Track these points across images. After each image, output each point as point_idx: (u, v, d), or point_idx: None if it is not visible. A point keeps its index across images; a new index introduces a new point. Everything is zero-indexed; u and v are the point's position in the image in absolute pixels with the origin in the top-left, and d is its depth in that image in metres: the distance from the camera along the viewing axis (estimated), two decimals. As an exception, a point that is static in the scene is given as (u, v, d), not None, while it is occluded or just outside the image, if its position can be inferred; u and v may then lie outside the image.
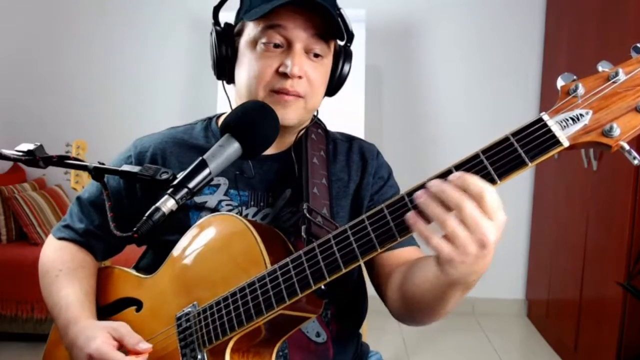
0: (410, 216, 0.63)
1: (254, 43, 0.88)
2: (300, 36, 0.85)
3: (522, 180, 3.18)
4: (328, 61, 0.92)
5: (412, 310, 0.84)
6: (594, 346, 2.32)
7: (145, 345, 0.81)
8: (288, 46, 0.86)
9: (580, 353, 2.45)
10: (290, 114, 0.87)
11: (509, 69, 3.12)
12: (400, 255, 0.91)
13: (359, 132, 2.61)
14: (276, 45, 0.87)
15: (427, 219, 0.62)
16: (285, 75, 0.85)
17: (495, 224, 0.60)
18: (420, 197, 0.62)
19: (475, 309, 3.24)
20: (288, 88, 0.86)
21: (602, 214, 2.29)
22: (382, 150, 1.05)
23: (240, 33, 0.92)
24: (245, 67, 0.90)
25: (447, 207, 0.60)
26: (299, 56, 0.86)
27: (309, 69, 0.87)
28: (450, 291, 0.71)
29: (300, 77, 0.86)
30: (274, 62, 0.86)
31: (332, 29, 0.86)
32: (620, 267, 2.08)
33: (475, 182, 0.59)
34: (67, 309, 0.89)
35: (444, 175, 0.62)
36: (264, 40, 0.87)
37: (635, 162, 0.58)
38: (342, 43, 0.96)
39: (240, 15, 0.92)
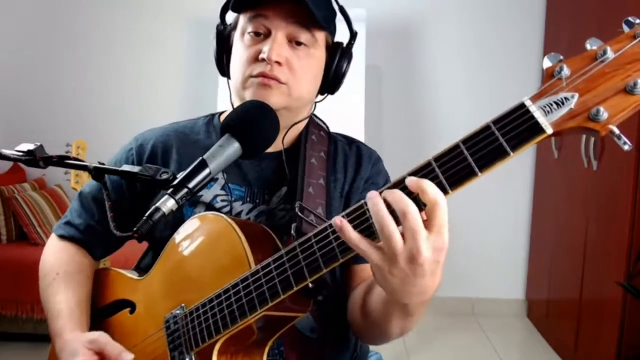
0: (337, 221, 0.62)
1: (242, 34, 0.90)
2: (280, 24, 0.86)
3: (522, 180, 3.18)
4: (316, 52, 0.91)
5: (362, 326, 0.85)
6: (594, 346, 2.32)
7: (128, 357, 0.80)
8: (270, 34, 0.87)
9: (580, 353, 2.45)
10: (273, 98, 0.86)
11: (508, 69, 3.12)
12: (368, 270, 0.91)
13: (358, 131, 2.61)
14: (260, 35, 0.88)
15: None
16: (264, 61, 0.86)
17: (435, 241, 0.57)
18: (371, 198, 0.60)
19: (475, 309, 3.24)
20: (266, 72, 0.86)
21: (602, 214, 2.29)
22: (381, 151, 1.05)
23: (235, 27, 0.94)
24: (235, 57, 0.92)
25: (394, 214, 0.58)
26: (278, 43, 0.86)
27: (291, 56, 0.87)
28: (388, 310, 0.72)
29: (279, 64, 0.86)
30: (255, 50, 0.88)
31: (314, 16, 0.85)
32: (620, 267, 2.08)
33: (430, 185, 0.57)
34: (57, 318, 0.90)
35: (424, 168, 0.60)
36: (249, 30, 0.88)
37: (626, 147, 0.54)
38: (340, 40, 0.96)
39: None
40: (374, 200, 0.60)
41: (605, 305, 2.22)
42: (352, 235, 0.62)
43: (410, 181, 0.59)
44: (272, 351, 0.85)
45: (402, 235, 0.58)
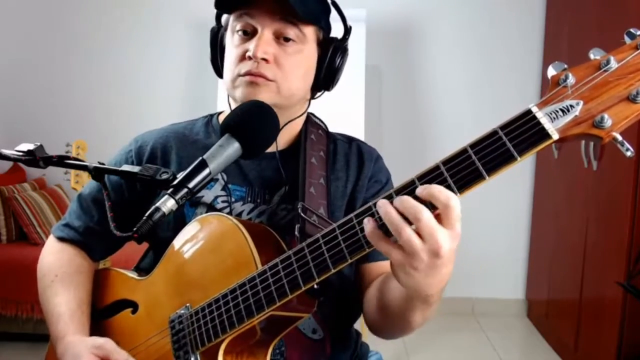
0: (366, 220, 0.63)
1: (232, 33, 0.91)
2: (265, 21, 0.86)
3: (522, 181, 3.18)
4: (305, 47, 0.90)
5: (382, 322, 0.86)
6: (594, 346, 2.32)
7: None
8: (256, 32, 0.87)
9: (580, 353, 2.44)
10: (261, 96, 0.86)
11: (509, 68, 3.12)
12: (384, 266, 0.91)
13: (358, 131, 2.61)
14: (248, 33, 0.88)
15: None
16: (251, 59, 0.86)
17: (451, 233, 0.60)
18: (382, 206, 0.62)
19: (475, 309, 3.24)
20: (252, 70, 0.86)
21: (602, 214, 2.29)
22: (381, 150, 1.05)
23: (227, 28, 0.94)
24: (226, 57, 0.92)
25: (407, 220, 0.60)
26: (264, 40, 0.86)
27: (278, 53, 0.87)
28: (409, 304, 0.72)
29: (266, 61, 0.86)
30: (243, 49, 0.88)
31: (299, 14, 0.85)
32: (620, 267, 2.08)
33: (441, 191, 0.59)
34: (58, 321, 0.90)
35: (433, 171, 0.62)
36: (237, 28, 0.89)
37: (628, 153, 0.56)
38: (337, 36, 0.95)
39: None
40: (386, 209, 0.62)
41: (605, 305, 2.22)
42: (375, 236, 0.63)
43: (421, 192, 0.61)
44: (274, 351, 0.84)
45: (419, 234, 0.60)
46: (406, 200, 0.60)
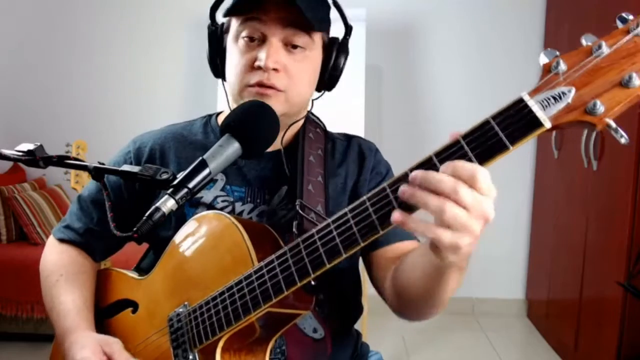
0: (397, 215, 0.59)
1: (236, 38, 0.89)
2: (274, 29, 0.85)
3: (522, 180, 3.18)
4: (312, 53, 0.90)
5: (410, 302, 0.82)
6: (594, 346, 2.32)
7: None
8: (265, 40, 0.86)
9: (580, 353, 2.45)
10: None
11: (509, 69, 3.12)
12: (398, 249, 0.90)
13: (358, 131, 2.61)
14: (254, 40, 0.87)
15: (409, 211, 0.60)
16: (260, 69, 0.85)
17: (491, 200, 0.59)
18: (405, 191, 0.59)
19: (475, 309, 3.24)
20: (264, 81, 0.85)
21: (602, 214, 2.29)
22: (381, 150, 1.05)
23: (228, 30, 0.93)
24: (230, 62, 0.91)
25: (437, 195, 0.57)
26: (274, 49, 0.84)
27: (287, 61, 0.86)
28: (446, 275, 0.70)
29: (277, 70, 0.85)
30: (250, 57, 0.86)
31: (309, 21, 0.84)
32: (620, 267, 2.08)
33: (464, 165, 0.57)
34: (65, 318, 0.90)
35: (426, 163, 0.60)
36: (243, 34, 0.87)
37: (622, 140, 0.54)
38: (336, 36, 0.95)
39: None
40: (413, 194, 0.58)
41: (605, 305, 2.22)
42: (417, 225, 0.59)
43: (444, 169, 0.58)
44: (274, 350, 0.84)
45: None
46: (437, 176, 0.57)
